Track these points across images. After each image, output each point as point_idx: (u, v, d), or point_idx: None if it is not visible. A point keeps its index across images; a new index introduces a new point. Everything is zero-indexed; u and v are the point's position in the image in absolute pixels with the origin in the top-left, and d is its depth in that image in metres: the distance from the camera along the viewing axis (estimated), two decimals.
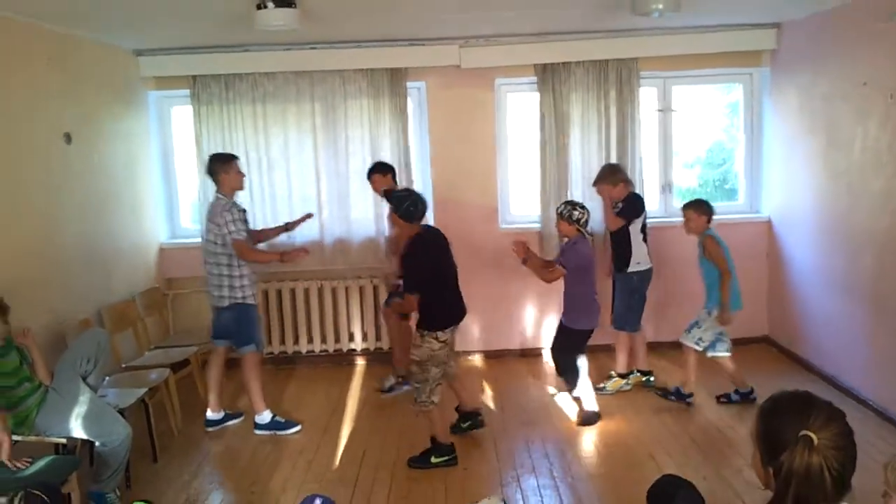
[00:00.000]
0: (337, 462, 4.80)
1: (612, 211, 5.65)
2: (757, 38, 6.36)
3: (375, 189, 5.76)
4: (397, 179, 5.86)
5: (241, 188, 5.28)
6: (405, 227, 4.58)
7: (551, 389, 5.82)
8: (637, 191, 5.93)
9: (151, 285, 6.28)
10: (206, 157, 6.16)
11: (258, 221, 6.34)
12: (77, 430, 4.00)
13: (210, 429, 5.35)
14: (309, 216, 5.83)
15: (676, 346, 5.67)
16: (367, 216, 6.53)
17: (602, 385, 5.75)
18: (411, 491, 4.37)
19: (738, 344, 6.55)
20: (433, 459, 4.66)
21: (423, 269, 4.52)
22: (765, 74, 6.59)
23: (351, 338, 6.73)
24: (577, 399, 5.31)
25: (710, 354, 5.36)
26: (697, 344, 5.31)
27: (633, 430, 5.11)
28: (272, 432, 5.24)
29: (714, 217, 5.30)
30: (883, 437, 4.73)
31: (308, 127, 6.51)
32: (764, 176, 6.74)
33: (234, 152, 6.31)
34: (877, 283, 5.11)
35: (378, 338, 6.73)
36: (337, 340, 6.72)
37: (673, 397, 5.44)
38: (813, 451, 1.67)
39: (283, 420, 5.32)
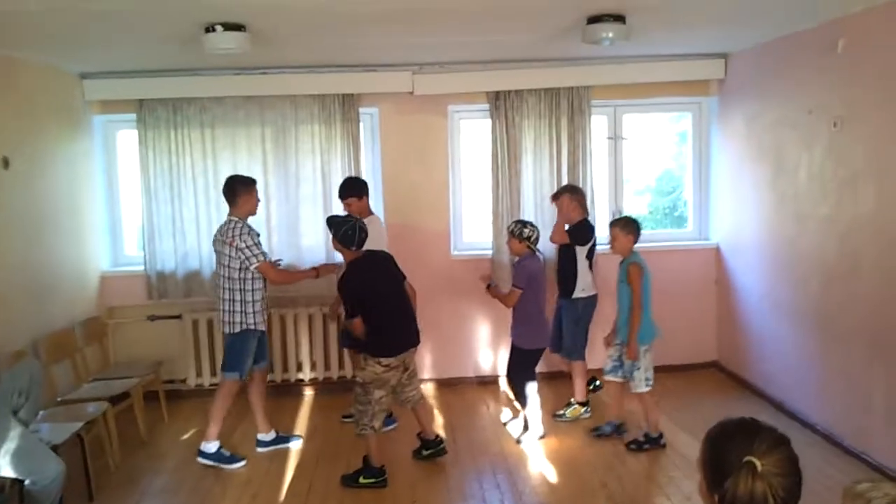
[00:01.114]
0: (283, 495, 4.66)
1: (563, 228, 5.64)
2: (705, 67, 6.47)
3: (351, 211, 5.65)
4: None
5: (255, 213, 5.19)
6: (345, 253, 4.69)
7: (504, 417, 5.74)
8: (589, 219, 5.93)
9: (92, 314, 6.05)
10: (156, 181, 6.16)
11: (204, 249, 6.19)
12: (5, 468, 3.79)
13: (260, 450, 5.29)
14: (276, 262, 5.67)
15: None
16: (318, 243, 6.42)
17: (561, 412, 5.74)
18: None
19: (687, 369, 6.67)
20: (361, 480, 4.70)
21: (355, 294, 4.58)
22: (713, 103, 6.70)
23: (299, 367, 6.58)
24: (524, 420, 5.34)
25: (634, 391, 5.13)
26: (648, 384, 5.08)
27: (587, 457, 5.06)
28: (216, 464, 5.07)
29: (640, 239, 5.14)
30: (830, 461, 4.75)
31: (258, 152, 6.40)
32: (712, 203, 6.83)
33: (182, 178, 6.27)
34: (823, 309, 5.17)
35: (327, 367, 6.59)
36: (285, 370, 6.56)
37: (647, 445, 5.11)
38: (757, 478, 1.65)
39: (228, 454, 5.15)
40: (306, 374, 6.60)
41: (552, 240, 5.68)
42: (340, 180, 6.24)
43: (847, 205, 4.85)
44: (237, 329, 5.00)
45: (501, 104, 6.42)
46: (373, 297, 4.61)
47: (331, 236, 4.74)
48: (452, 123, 6.65)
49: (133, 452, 5.27)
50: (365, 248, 4.70)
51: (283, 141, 6.39)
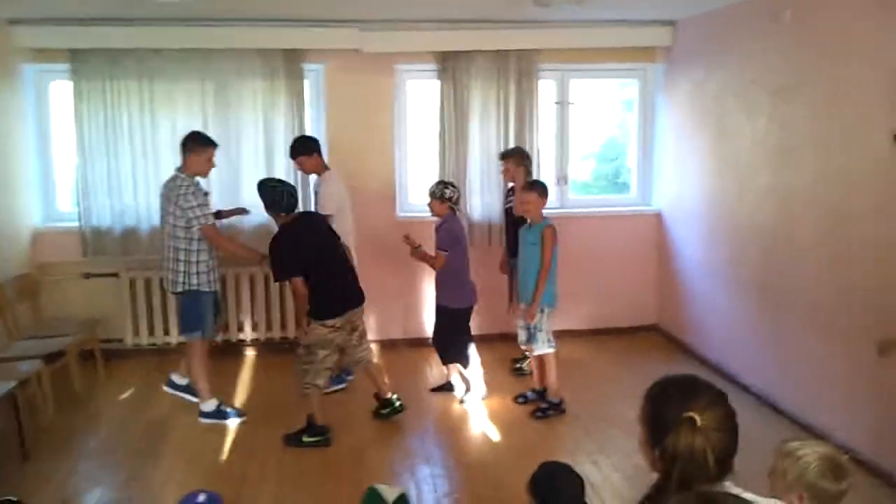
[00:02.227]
0: (223, 455, 4.61)
1: (510, 202, 5.64)
2: (652, 34, 6.51)
3: (304, 170, 5.55)
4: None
5: (204, 175, 5.04)
6: (276, 218, 4.65)
7: (442, 380, 5.74)
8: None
9: (23, 271, 5.84)
10: (91, 134, 6.01)
11: (142, 206, 6.03)
12: None
13: (168, 389, 5.19)
14: (243, 211, 5.61)
15: (574, 335, 5.72)
16: (259, 201, 6.27)
17: (519, 365, 5.90)
18: (302, 483, 4.25)
19: (627, 332, 6.82)
20: (305, 438, 4.70)
21: (288, 257, 4.53)
22: (659, 70, 6.76)
23: (240, 328, 6.49)
24: (465, 380, 5.39)
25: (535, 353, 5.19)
26: (550, 346, 5.09)
27: (527, 417, 5.12)
28: (217, 421, 5.02)
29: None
30: (765, 422, 4.92)
31: (198, 108, 6.20)
32: (655, 170, 6.92)
33: (118, 132, 6.06)
34: (761, 274, 5.31)
35: (269, 328, 6.51)
36: (226, 330, 6.45)
37: (550, 411, 5.13)
38: (696, 433, 1.69)
39: (228, 409, 5.12)
40: (247, 335, 6.51)
41: (516, 211, 5.62)
42: (284, 138, 6.16)
43: (786, 174, 4.96)
44: (180, 289, 4.90)
45: (450, 65, 6.36)
46: (309, 258, 4.56)
47: (262, 201, 4.67)
48: (399, 83, 6.56)
49: (69, 412, 5.14)
50: (320, 206, 4.66)
51: (225, 96, 6.22)
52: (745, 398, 5.29)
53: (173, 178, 4.88)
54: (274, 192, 4.61)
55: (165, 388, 5.23)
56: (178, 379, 5.26)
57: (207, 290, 4.96)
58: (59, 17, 5.81)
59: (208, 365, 5.13)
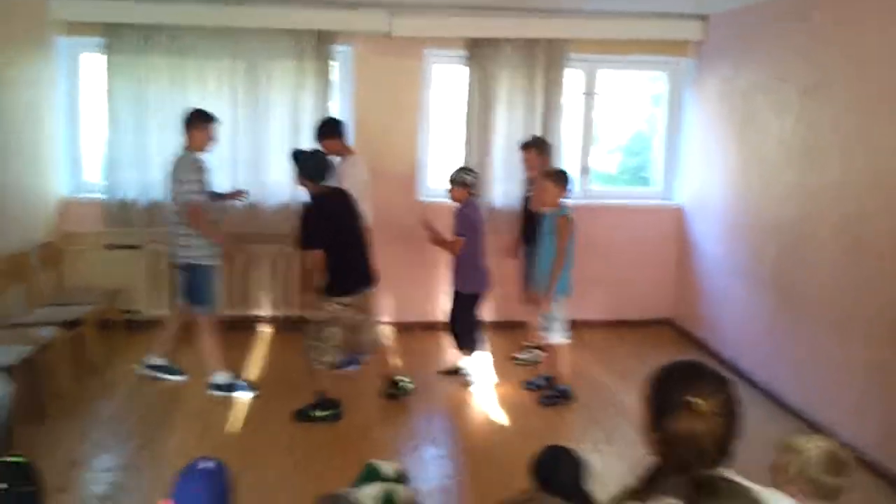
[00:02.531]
0: (234, 428, 4.67)
1: (530, 192, 5.63)
2: (684, 27, 6.44)
3: (327, 152, 5.56)
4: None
5: (206, 150, 5.10)
6: (308, 186, 4.65)
7: (453, 364, 5.73)
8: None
9: (48, 239, 5.94)
10: (122, 108, 6.09)
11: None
12: None
13: (141, 371, 5.28)
14: (242, 194, 5.62)
15: (589, 325, 5.69)
16: (283, 181, 6.32)
17: (521, 356, 5.91)
18: (309, 457, 4.30)
19: (642, 325, 6.79)
20: (317, 413, 4.74)
21: (316, 227, 4.55)
22: (689, 65, 6.68)
23: (257, 304, 6.55)
24: (465, 365, 5.40)
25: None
26: (564, 335, 5.09)
27: (534, 401, 5.14)
28: (227, 394, 5.10)
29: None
30: (773, 418, 4.92)
31: (227, 85, 6.26)
32: (681, 164, 6.85)
33: (148, 107, 6.13)
34: (779, 273, 5.26)
35: (287, 305, 6.55)
36: (244, 305, 6.51)
37: (559, 399, 5.15)
38: (697, 417, 1.68)
39: (239, 381, 5.20)
40: (265, 311, 6.57)
41: (533, 207, 5.59)
42: (310, 118, 6.19)
43: (811, 173, 4.90)
44: (181, 262, 4.98)
45: (478, 52, 6.35)
46: (335, 231, 4.59)
47: (295, 169, 4.69)
48: (427, 68, 6.55)
49: (85, 380, 5.22)
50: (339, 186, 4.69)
51: (254, 75, 6.27)
52: (756, 395, 5.28)
53: (178, 155, 4.97)
54: (313, 159, 4.66)
55: (142, 371, 5.28)
56: (155, 360, 5.32)
57: (208, 263, 5.02)
58: None
59: (219, 338, 5.19)
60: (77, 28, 6.15)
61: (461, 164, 6.40)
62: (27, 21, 5.75)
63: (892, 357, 4.13)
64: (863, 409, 4.36)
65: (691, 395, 1.70)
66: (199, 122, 4.99)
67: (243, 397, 5.10)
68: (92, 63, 6.33)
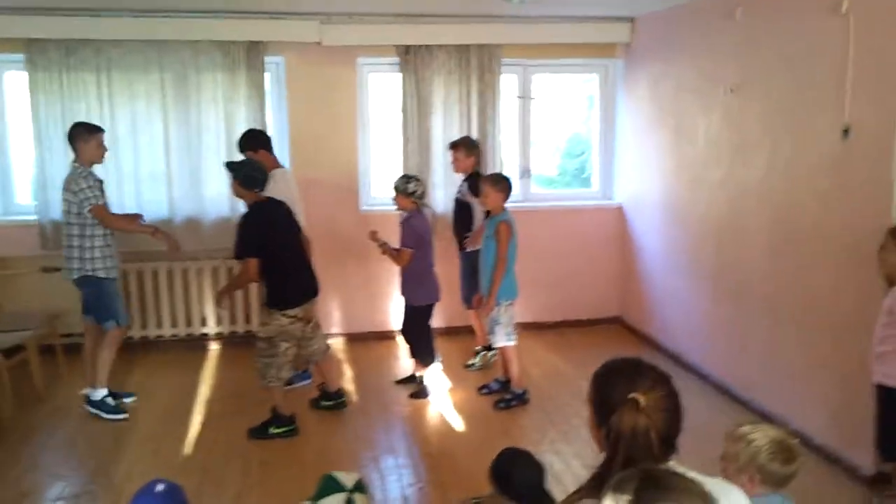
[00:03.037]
0: (187, 449, 4.59)
1: (459, 192, 5.76)
2: (612, 30, 6.60)
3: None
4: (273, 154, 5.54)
5: (99, 161, 5.05)
6: (246, 195, 4.60)
7: (404, 373, 5.75)
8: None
9: None
10: (48, 126, 5.95)
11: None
12: None
13: (89, 408, 5.07)
14: (138, 217, 5.49)
15: (538, 327, 5.76)
16: (221, 193, 6.25)
17: (472, 362, 5.92)
18: (267, 474, 4.25)
19: (590, 324, 6.90)
20: (272, 430, 4.70)
21: (257, 235, 4.50)
22: (619, 66, 6.84)
23: (203, 322, 6.46)
24: (420, 376, 5.40)
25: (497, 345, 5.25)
26: (509, 339, 5.14)
27: (489, 408, 5.17)
28: (97, 412, 4.99)
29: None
30: (721, 409, 5.03)
31: (157, 99, 6.14)
32: (617, 164, 7.01)
33: (75, 122, 5.94)
34: (717, 266, 5.43)
35: (233, 321, 6.49)
36: (189, 324, 6.43)
37: (514, 402, 5.18)
38: (640, 413, 1.72)
39: (114, 404, 5.06)
40: (211, 329, 6.48)
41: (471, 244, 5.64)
42: (245, 131, 6.10)
43: (739, 170, 5.08)
44: (76, 275, 4.90)
45: (412, 59, 6.37)
46: (275, 243, 4.55)
47: (231, 180, 4.64)
48: (361, 76, 6.56)
49: (29, 407, 5.08)
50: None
51: (185, 88, 6.17)
52: (704, 386, 5.41)
53: (70, 169, 4.92)
54: (248, 167, 4.62)
55: (86, 406, 5.11)
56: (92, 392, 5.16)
57: (104, 276, 4.94)
58: (15, 5, 5.70)
59: (115, 356, 5.10)
60: None
61: (401, 171, 6.44)
62: None
63: (822, 340, 4.31)
64: (806, 394, 4.51)
65: (632, 392, 1.74)
66: (84, 134, 4.94)
67: (115, 418, 5.00)
68: (16, 81, 6.13)
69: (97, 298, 4.96)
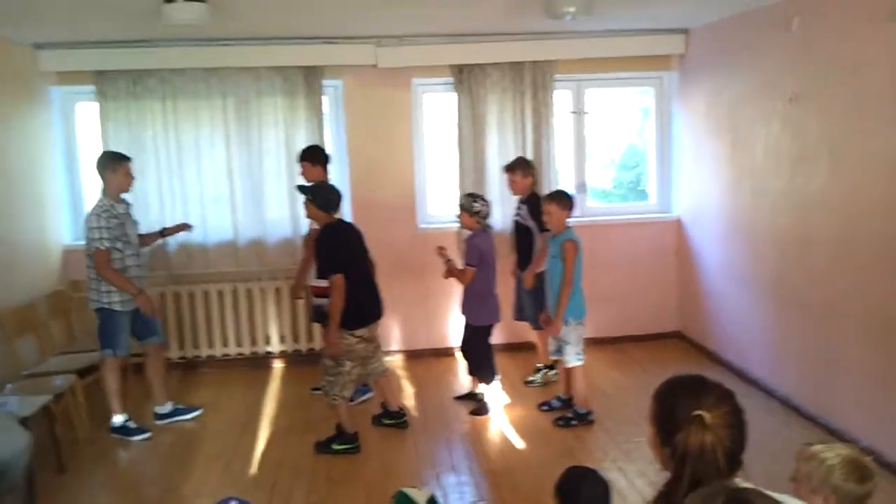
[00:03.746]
0: (254, 465, 4.70)
1: (518, 215, 5.76)
2: (666, 42, 6.57)
3: (305, 177, 5.53)
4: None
5: (127, 190, 5.15)
6: (321, 217, 4.69)
7: (463, 390, 5.80)
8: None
9: (55, 288, 5.99)
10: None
11: (168, 222, 6.14)
12: None
13: (158, 422, 5.32)
14: (187, 227, 5.63)
15: (598, 342, 5.78)
16: (283, 216, 6.42)
17: (531, 378, 5.91)
18: (330, 492, 4.32)
19: (650, 339, 6.84)
20: (335, 446, 4.78)
21: (340, 254, 4.59)
22: (674, 78, 6.80)
23: (267, 340, 6.60)
24: (481, 392, 5.42)
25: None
26: (579, 358, 5.09)
27: (550, 422, 5.17)
28: (122, 437, 5.13)
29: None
30: (789, 426, 4.94)
31: (220, 125, 6.34)
32: (674, 177, 6.95)
33: (143, 150, 6.19)
34: (779, 279, 5.34)
35: (296, 340, 6.62)
36: (253, 343, 6.58)
37: (574, 422, 5.12)
38: (706, 430, 1.72)
39: (135, 426, 5.20)
40: (275, 347, 6.62)
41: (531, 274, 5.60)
42: (309, 145, 6.24)
43: (800, 180, 5.00)
44: (94, 306, 5.03)
45: (465, 78, 6.44)
46: (348, 263, 4.63)
47: (304, 201, 4.73)
48: (416, 97, 6.65)
49: (102, 425, 5.24)
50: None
51: (246, 113, 6.35)
52: (770, 403, 5.31)
53: (94, 205, 5.01)
54: (327, 191, 4.72)
55: (156, 422, 5.34)
56: (159, 409, 5.40)
57: (120, 309, 5.02)
58: (83, 40, 5.96)
59: (120, 381, 5.20)
60: (68, 77, 6.22)
61: (457, 190, 6.51)
62: (18, 74, 5.82)
63: (893, 354, 4.21)
64: (876, 410, 4.39)
65: (697, 410, 1.74)
66: (111, 164, 5.04)
67: (142, 438, 5.12)
68: (87, 110, 6.40)
69: (104, 328, 5.06)
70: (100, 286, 4.96)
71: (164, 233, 5.59)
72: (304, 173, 5.51)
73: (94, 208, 4.96)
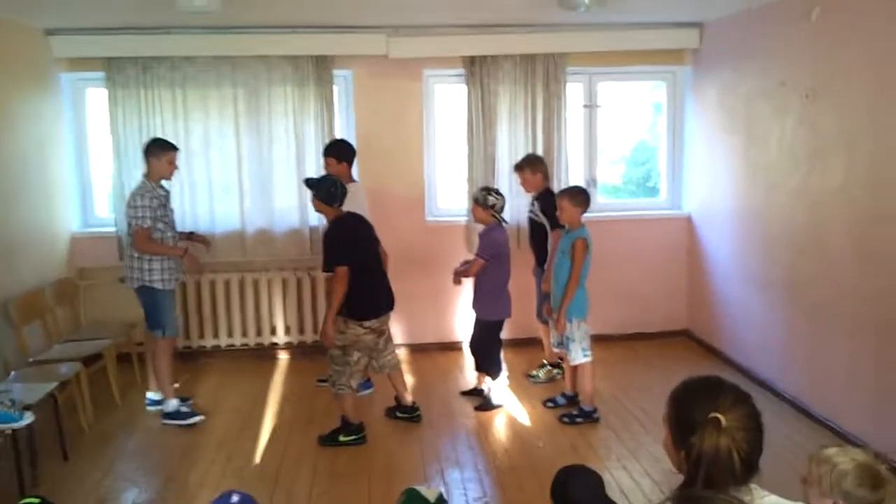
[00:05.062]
0: (257, 457, 4.69)
1: (532, 212, 5.70)
2: (680, 36, 6.49)
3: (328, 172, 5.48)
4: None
5: (168, 178, 5.19)
6: (327, 211, 4.69)
7: (468, 385, 5.76)
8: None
9: (63, 275, 5.99)
10: (126, 141, 6.15)
11: (177, 210, 6.11)
12: None
13: (150, 408, 5.36)
14: (207, 244, 5.62)
15: (605, 339, 5.72)
16: (292, 206, 6.39)
17: (535, 373, 5.88)
18: (333, 485, 4.30)
19: (658, 337, 6.79)
20: (341, 438, 4.77)
21: (344, 246, 4.58)
22: (687, 73, 6.73)
23: (273, 331, 6.58)
24: (487, 388, 5.40)
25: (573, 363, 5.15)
26: (585, 355, 5.05)
27: (554, 422, 5.12)
28: (175, 422, 5.13)
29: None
30: (797, 428, 4.87)
31: (230, 113, 6.32)
32: (685, 173, 6.89)
33: (152, 137, 6.14)
34: (791, 278, 5.27)
35: (301, 331, 6.60)
36: (259, 334, 6.56)
37: (580, 419, 5.07)
38: (721, 433, 1.69)
39: (187, 410, 5.22)
40: (280, 339, 6.60)
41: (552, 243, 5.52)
42: (314, 143, 6.27)
43: (816, 176, 4.92)
44: (136, 285, 5.05)
45: (477, 70, 6.39)
46: (356, 255, 4.62)
47: (311, 196, 4.73)
48: (427, 87, 6.61)
49: (106, 413, 5.26)
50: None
51: (256, 102, 6.33)
52: (778, 405, 5.25)
53: (139, 182, 5.10)
54: (330, 185, 4.68)
55: (148, 408, 5.38)
56: (152, 395, 5.41)
57: (161, 287, 5.05)
58: (94, 27, 5.94)
59: (173, 364, 5.25)
60: (79, 64, 6.20)
61: (467, 182, 6.47)
62: (30, 59, 5.80)
63: None
64: (886, 414, 4.34)
65: (713, 412, 1.72)
66: (156, 150, 5.08)
67: (194, 422, 5.14)
68: (97, 97, 6.38)
69: (150, 308, 5.11)
70: (142, 264, 4.99)
71: (192, 237, 5.57)
72: (327, 167, 5.47)
73: (136, 189, 5.03)
